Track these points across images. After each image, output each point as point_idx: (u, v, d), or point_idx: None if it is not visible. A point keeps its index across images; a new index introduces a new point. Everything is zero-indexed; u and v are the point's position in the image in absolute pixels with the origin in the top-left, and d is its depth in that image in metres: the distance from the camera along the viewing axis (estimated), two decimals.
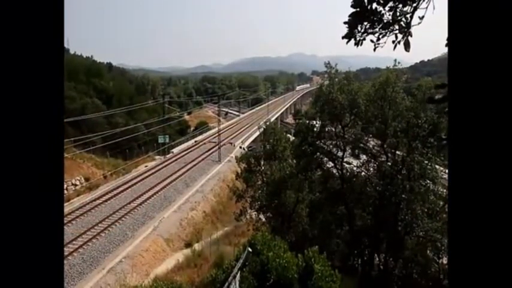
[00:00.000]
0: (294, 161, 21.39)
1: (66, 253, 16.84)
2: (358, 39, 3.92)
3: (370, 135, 19.89)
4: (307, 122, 20.62)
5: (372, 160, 18.97)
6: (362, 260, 19.15)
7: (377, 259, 18.65)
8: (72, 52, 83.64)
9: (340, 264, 16.63)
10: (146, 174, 30.50)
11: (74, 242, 17.96)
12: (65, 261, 16.29)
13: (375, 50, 3.98)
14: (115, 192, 25.74)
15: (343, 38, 3.96)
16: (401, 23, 3.70)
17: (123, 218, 21.37)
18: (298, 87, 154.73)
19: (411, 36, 3.64)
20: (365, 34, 3.87)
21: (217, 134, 40.99)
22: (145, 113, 48.68)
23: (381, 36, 3.83)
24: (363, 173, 19.09)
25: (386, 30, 3.77)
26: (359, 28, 3.85)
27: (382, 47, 3.95)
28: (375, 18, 3.76)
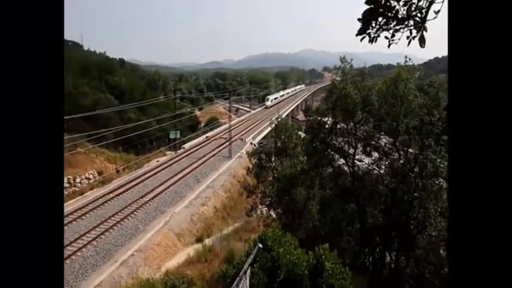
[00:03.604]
0: (305, 158, 21.35)
1: (80, 245, 17.20)
2: (372, 35, 3.87)
3: (382, 133, 19.70)
4: (319, 118, 20.51)
5: (384, 158, 18.79)
6: (373, 258, 19.03)
7: (388, 257, 18.51)
8: (85, 48, 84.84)
9: (350, 262, 16.57)
10: (158, 169, 30.80)
11: (87, 235, 18.31)
12: (79, 253, 16.65)
13: (389, 46, 3.93)
14: (127, 186, 26.09)
15: (357, 35, 3.91)
16: (417, 18, 3.63)
17: (135, 212, 21.66)
18: (288, 90, 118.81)
19: (426, 31, 3.54)
20: (379, 31, 3.82)
21: (228, 130, 41.10)
22: (157, 108, 49.00)
23: (395, 33, 3.77)
24: (374, 171, 18.93)
25: (401, 26, 3.70)
26: (373, 24, 3.80)
27: (396, 43, 3.89)
28: (390, 14, 3.70)
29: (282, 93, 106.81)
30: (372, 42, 3.88)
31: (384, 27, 3.74)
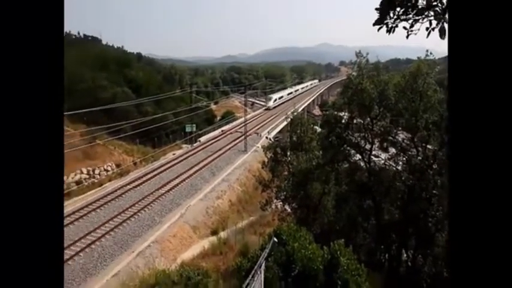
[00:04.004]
0: (321, 153, 21.21)
1: (99, 235, 17.62)
2: (390, 26, 3.77)
3: (400, 128, 19.37)
4: (335, 113, 20.32)
5: (401, 153, 18.48)
6: (389, 256, 18.79)
7: (405, 255, 18.26)
8: (104, 43, 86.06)
9: (366, 258, 16.41)
10: (174, 162, 31.20)
11: (106, 225, 18.76)
12: (98, 243, 17.06)
13: (407, 37, 3.82)
14: (144, 178, 26.53)
15: (374, 24, 3.82)
16: (437, 8, 3.51)
17: (151, 204, 22.02)
18: (297, 87, 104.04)
19: (447, 22, 3.37)
20: (397, 21, 3.72)
21: (243, 124, 41.13)
22: (173, 102, 49.47)
23: (414, 23, 3.66)
24: (391, 167, 18.66)
25: (421, 17, 3.60)
26: (391, 14, 3.70)
27: (415, 34, 3.78)
28: (409, 4, 3.60)
29: (290, 90, 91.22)
30: (389, 33, 3.79)
31: (402, 17, 3.65)
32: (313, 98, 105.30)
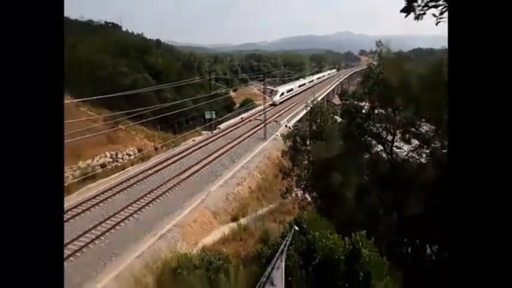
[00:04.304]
0: (341, 143, 21.02)
1: (123, 217, 18.14)
2: (417, 13, 3.66)
3: (423, 120, 18.94)
4: (355, 102, 20.03)
5: (425, 146, 18.10)
6: (412, 249, 18.57)
7: (429, 249, 18.00)
8: (124, 29, 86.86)
9: (387, 251, 16.25)
10: (194, 148, 31.59)
11: (129, 207, 19.28)
12: (122, 224, 17.58)
13: (437, 24, 3.70)
14: (165, 163, 27.01)
15: (401, 11, 3.73)
16: None
17: (172, 189, 22.45)
18: (312, 77, 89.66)
19: None
20: (426, 8, 3.61)
21: (262, 112, 41.06)
22: (192, 89, 49.79)
23: (444, 10, 3.54)
24: (414, 159, 18.34)
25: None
26: (419, 1, 3.59)
27: (445, 21, 3.66)
28: None
29: (302, 81, 77.91)
30: (417, 19, 3.69)
31: (430, 4, 3.53)
32: (333, 87, 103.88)
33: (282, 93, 60.85)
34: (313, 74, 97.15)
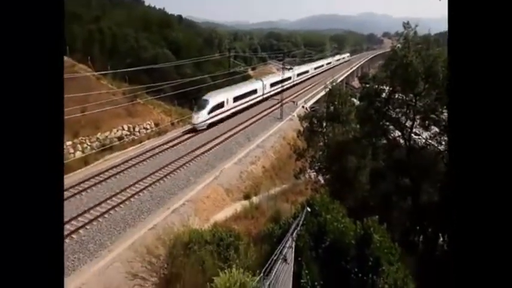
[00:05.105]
0: (358, 126, 20.70)
1: (137, 189, 18.50)
2: None
3: (445, 107, 18.35)
4: (376, 86, 19.53)
5: (445, 133, 17.61)
6: (424, 237, 18.41)
7: (441, 239, 17.80)
8: (146, 4, 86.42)
9: (400, 238, 16.16)
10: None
11: (144, 180, 19.64)
12: (137, 197, 17.96)
13: None
14: (181, 139, 27.25)
15: None
16: None
17: (187, 164, 22.70)
18: (323, 62, 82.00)
19: None
20: None
21: (280, 91, 40.64)
22: (212, 65, 49.55)
23: None
24: (433, 146, 17.91)
25: None
26: None
27: None
28: None
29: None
30: None
31: None
32: (353, 69, 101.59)
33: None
34: (317, 60, 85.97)
